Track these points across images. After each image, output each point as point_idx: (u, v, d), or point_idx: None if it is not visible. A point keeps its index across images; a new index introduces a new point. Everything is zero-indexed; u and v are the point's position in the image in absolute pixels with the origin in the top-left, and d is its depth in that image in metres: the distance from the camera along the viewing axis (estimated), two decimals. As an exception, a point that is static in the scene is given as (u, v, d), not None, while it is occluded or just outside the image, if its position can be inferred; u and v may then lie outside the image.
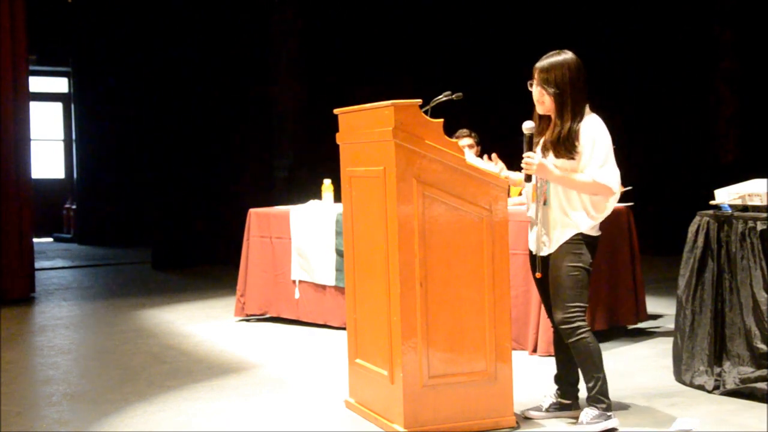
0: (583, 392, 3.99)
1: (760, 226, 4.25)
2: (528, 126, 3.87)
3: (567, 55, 3.83)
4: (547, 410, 4.06)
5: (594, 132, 3.77)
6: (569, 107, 3.78)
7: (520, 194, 6.21)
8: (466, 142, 6.44)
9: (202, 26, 10.53)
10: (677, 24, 10.67)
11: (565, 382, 4.07)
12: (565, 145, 3.76)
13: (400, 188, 3.71)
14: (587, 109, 3.82)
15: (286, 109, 10.26)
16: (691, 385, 4.54)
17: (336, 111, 4.28)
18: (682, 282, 4.63)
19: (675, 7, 10.64)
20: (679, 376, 4.66)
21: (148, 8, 10.80)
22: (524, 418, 4.03)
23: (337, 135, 4.27)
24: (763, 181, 4.42)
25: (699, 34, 10.69)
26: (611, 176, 3.74)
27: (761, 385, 4.22)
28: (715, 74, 10.69)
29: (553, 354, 5.21)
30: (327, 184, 6.60)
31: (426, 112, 4.31)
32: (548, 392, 4.15)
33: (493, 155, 4.08)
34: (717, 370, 4.44)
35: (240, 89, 10.49)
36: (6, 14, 7.87)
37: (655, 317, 6.44)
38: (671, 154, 10.47)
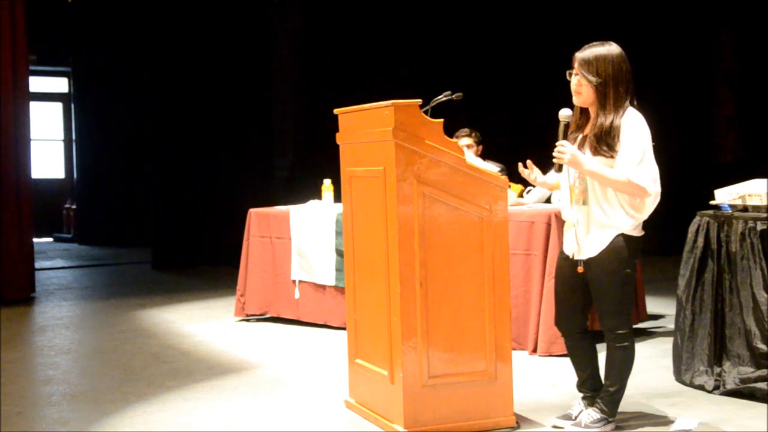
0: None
1: (760, 226, 4.25)
2: (565, 114, 3.70)
3: (611, 47, 3.67)
4: (576, 418, 3.90)
5: (632, 127, 3.58)
6: (611, 100, 3.62)
7: (520, 195, 6.22)
8: (465, 141, 6.45)
9: (203, 26, 10.53)
10: (677, 24, 10.68)
11: (589, 390, 3.93)
12: (606, 141, 3.60)
13: (400, 188, 3.71)
14: (628, 104, 3.64)
15: (286, 110, 10.26)
16: (691, 385, 4.55)
17: (336, 111, 4.28)
18: (682, 282, 4.63)
19: (675, 7, 10.65)
20: (679, 376, 4.66)
21: (149, 8, 10.80)
22: (553, 427, 3.91)
23: (337, 135, 4.27)
24: (763, 181, 4.41)
25: (699, 34, 10.69)
26: (646, 176, 3.55)
27: (761, 385, 4.22)
28: (715, 74, 10.70)
29: (553, 354, 5.25)
30: (327, 184, 6.60)
31: (426, 112, 4.31)
32: (576, 401, 4.01)
33: (528, 162, 3.90)
34: (717, 370, 4.44)
35: (240, 89, 10.49)
36: (6, 14, 7.87)
37: (655, 317, 6.44)
38: (671, 154, 10.46)
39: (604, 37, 3.75)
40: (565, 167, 3.76)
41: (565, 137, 3.71)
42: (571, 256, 3.79)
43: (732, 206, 4.46)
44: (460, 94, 5.59)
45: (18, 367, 5.45)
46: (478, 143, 6.57)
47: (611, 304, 3.71)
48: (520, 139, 10.80)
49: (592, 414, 3.80)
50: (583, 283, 3.77)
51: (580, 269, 3.76)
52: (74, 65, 14.10)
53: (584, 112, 3.79)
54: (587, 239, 3.71)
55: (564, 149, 3.64)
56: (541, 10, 10.94)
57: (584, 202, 3.72)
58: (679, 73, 10.62)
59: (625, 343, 3.75)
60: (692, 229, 4.61)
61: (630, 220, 3.65)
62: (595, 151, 3.64)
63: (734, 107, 10.69)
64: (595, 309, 3.81)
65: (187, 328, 6.54)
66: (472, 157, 6.10)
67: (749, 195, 4.40)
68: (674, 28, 10.64)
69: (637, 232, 3.70)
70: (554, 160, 3.70)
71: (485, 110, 10.04)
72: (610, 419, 3.81)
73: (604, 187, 3.65)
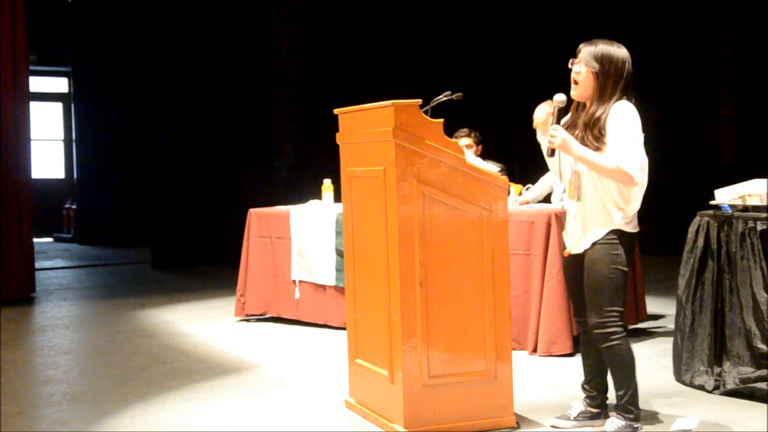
0: (612, 400, 3.88)
1: (760, 226, 4.25)
2: (559, 98, 3.71)
3: (620, 48, 3.69)
4: (575, 419, 3.92)
5: (621, 116, 3.59)
6: (608, 94, 3.63)
7: (520, 194, 6.22)
8: (465, 141, 6.46)
9: (203, 26, 10.53)
10: (677, 24, 10.68)
11: (593, 390, 3.92)
12: (594, 132, 3.61)
13: (400, 188, 3.71)
14: (623, 99, 3.65)
15: (286, 110, 10.26)
16: (691, 385, 4.55)
17: (336, 111, 4.28)
18: (682, 282, 4.63)
19: (675, 6, 10.65)
20: (679, 376, 4.66)
21: (149, 8, 10.80)
22: (551, 427, 3.91)
23: (337, 135, 4.27)
24: (763, 181, 4.41)
25: (699, 34, 10.69)
26: (635, 164, 3.55)
27: (761, 385, 4.22)
28: (715, 74, 10.70)
29: (553, 354, 5.25)
30: (327, 184, 6.60)
31: (426, 112, 4.31)
32: (575, 400, 4.01)
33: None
34: (717, 370, 4.44)
35: (240, 89, 10.49)
36: (6, 14, 7.87)
37: (655, 317, 6.44)
38: (671, 154, 10.48)
39: (604, 38, 3.75)
40: (562, 157, 3.76)
41: (558, 122, 3.71)
42: (569, 250, 3.80)
43: (732, 206, 4.46)
44: (460, 94, 5.59)
45: (18, 367, 5.45)
46: (478, 143, 6.58)
47: (598, 301, 3.67)
48: (520, 139, 10.81)
49: (616, 421, 3.71)
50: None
51: (566, 252, 3.78)
52: (74, 65, 14.10)
53: (581, 111, 3.77)
54: (582, 234, 3.71)
55: (556, 133, 3.65)
56: (541, 10, 10.94)
57: (579, 198, 3.71)
58: (679, 73, 10.62)
59: (613, 343, 3.67)
60: (692, 229, 4.61)
61: (619, 213, 3.63)
62: (582, 141, 3.64)
63: (734, 107, 10.69)
64: (586, 304, 3.77)
65: (187, 328, 6.54)
66: (472, 157, 6.11)
67: (749, 195, 4.40)
68: (674, 28, 10.64)
69: (630, 228, 3.68)
70: (546, 145, 3.71)
71: (485, 110, 10.04)
72: (635, 424, 3.70)
73: (600, 180, 3.63)
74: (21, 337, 6.52)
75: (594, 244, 3.67)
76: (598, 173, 3.63)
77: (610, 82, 3.64)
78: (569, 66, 3.74)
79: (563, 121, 3.80)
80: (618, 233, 3.65)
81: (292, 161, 10.20)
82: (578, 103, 3.79)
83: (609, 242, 3.64)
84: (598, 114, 3.63)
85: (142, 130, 11.72)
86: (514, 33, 11.06)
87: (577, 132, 3.71)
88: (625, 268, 3.68)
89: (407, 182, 3.72)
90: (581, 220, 3.72)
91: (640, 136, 3.62)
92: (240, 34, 10.45)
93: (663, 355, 5.19)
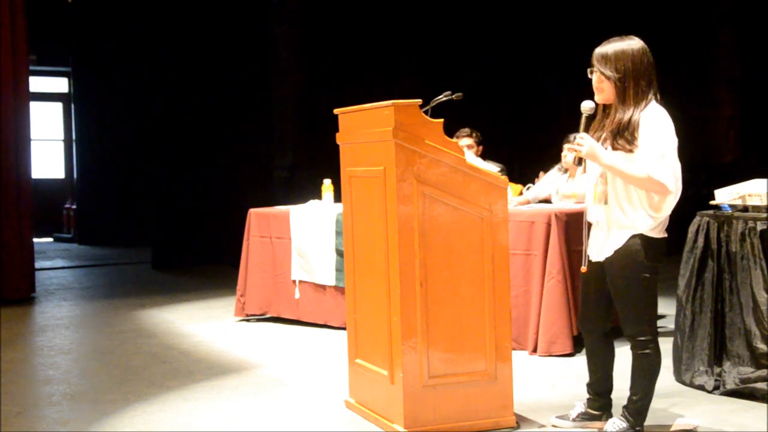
0: (615, 401, 3.87)
1: (760, 226, 4.25)
2: (587, 106, 3.64)
3: (632, 41, 3.59)
4: (574, 419, 3.91)
5: (654, 122, 3.48)
6: (631, 95, 3.53)
7: (520, 194, 6.23)
8: (466, 142, 6.46)
9: (203, 26, 10.53)
10: (677, 24, 10.68)
11: (597, 392, 3.89)
12: (624, 136, 3.51)
13: (400, 188, 3.71)
14: (652, 98, 3.56)
15: (286, 110, 10.26)
16: (691, 385, 4.55)
17: (336, 111, 4.28)
18: (682, 282, 4.63)
19: (675, 6, 10.65)
20: (679, 376, 4.66)
21: (149, 8, 10.81)
22: (552, 426, 3.91)
23: (337, 135, 4.27)
24: (763, 181, 4.42)
25: (699, 34, 10.70)
26: (668, 172, 3.45)
27: (761, 385, 4.22)
28: (715, 75, 10.70)
29: (553, 354, 5.25)
30: (327, 184, 6.60)
31: (426, 112, 4.30)
32: (578, 401, 3.98)
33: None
34: (717, 370, 4.44)
35: (240, 89, 10.49)
36: (6, 14, 7.87)
37: (655, 317, 6.43)
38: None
39: (604, 38, 3.72)
40: (589, 165, 3.69)
41: (586, 130, 3.64)
42: (589, 257, 3.73)
43: (732, 206, 4.46)
44: (460, 94, 5.59)
45: (18, 367, 5.46)
46: (478, 143, 6.58)
47: (629, 309, 3.61)
48: (520, 139, 10.81)
49: (618, 423, 3.69)
50: (606, 285, 3.69)
51: (584, 269, 3.73)
52: (74, 65, 14.10)
53: (608, 112, 3.68)
54: (607, 240, 3.64)
55: (582, 141, 3.57)
56: (541, 10, 10.95)
57: (606, 202, 3.63)
58: (678, 73, 10.62)
59: (646, 351, 3.63)
60: (692, 229, 4.61)
61: (649, 221, 3.55)
62: (614, 145, 3.56)
63: (734, 107, 10.70)
64: (617, 313, 3.74)
65: (187, 328, 6.54)
66: (472, 157, 6.11)
67: (749, 195, 4.40)
68: (674, 28, 10.65)
69: (656, 233, 3.59)
70: (572, 153, 3.64)
71: (485, 110, 10.04)
72: (636, 428, 3.68)
73: (626, 185, 3.56)
74: (21, 337, 6.52)
75: (615, 251, 3.60)
76: (627, 182, 3.54)
77: (631, 82, 3.55)
78: (588, 75, 3.66)
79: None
80: (641, 238, 3.56)
81: (292, 161, 10.20)
82: (605, 105, 3.69)
83: (630, 249, 3.56)
84: (625, 118, 3.54)
85: (142, 130, 11.71)
86: (514, 33, 11.05)
87: (605, 135, 3.63)
88: (652, 274, 3.59)
89: (407, 182, 3.72)
90: (606, 225, 3.65)
91: (673, 144, 3.53)
92: (240, 34, 10.45)
93: (663, 355, 5.14)
